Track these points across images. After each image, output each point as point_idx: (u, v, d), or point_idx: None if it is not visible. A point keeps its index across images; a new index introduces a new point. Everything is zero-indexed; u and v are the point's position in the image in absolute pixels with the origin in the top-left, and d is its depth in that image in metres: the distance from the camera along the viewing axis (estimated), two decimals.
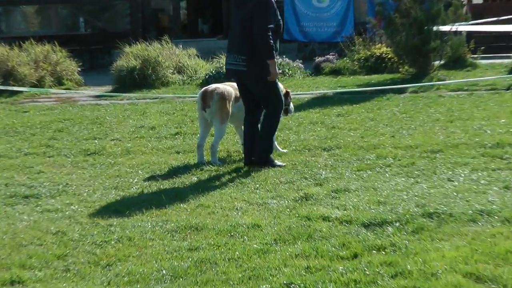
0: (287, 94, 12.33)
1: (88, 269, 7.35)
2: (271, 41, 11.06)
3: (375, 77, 22.19)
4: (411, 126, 14.12)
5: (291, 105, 12.77)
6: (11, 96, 22.10)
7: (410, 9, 20.93)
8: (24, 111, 19.42)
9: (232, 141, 13.33)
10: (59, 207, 9.76)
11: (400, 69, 22.32)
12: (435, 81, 20.16)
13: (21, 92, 21.59)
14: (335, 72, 23.90)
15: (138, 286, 6.81)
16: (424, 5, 21.00)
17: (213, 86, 12.23)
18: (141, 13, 30.82)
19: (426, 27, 20.75)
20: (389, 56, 23.34)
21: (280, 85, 11.92)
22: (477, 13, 27.91)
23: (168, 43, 24.86)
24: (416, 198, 9.21)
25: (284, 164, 11.34)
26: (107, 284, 6.90)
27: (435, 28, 20.78)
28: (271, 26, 11.14)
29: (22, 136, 15.49)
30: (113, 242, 8.15)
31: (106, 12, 32.90)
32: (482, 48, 24.09)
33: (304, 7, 29.75)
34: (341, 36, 27.76)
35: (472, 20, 23.58)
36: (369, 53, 23.92)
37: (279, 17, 11.50)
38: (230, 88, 12.01)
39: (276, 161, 11.43)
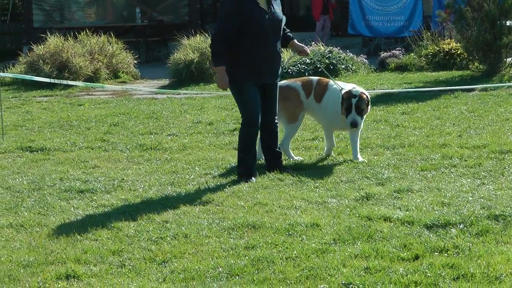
0: (348, 97, 11.32)
1: (143, 265, 7.51)
2: (218, 46, 10.54)
3: (443, 74, 22.13)
4: (479, 125, 14.11)
5: (355, 116, 11.29)
6: (66, 88, 22.43)
7: (482, 2, 20.82)
8: (79, 104, 19.73)
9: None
10: (114, 202, 9.96)
11: (470, 66, 22.25)
12: (507, 79, 20.01)
13: (76, 85, 21.83)
14: (401, 68, 23.89)
15: (194, 283, 6.94)
16: None
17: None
18: (199, 3, 30.95)
19: (498, 22, 20.63)
20: (458, 52, 23.27)
21: (343, 85, 11.66)
22: None
23: None
24: (482, 200, 9.24)
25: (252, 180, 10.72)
26: (163, 281, 7.06)
27: (508, 23, 20.62)
28: (224, 29, 10.51)
29: (77, 129, 15.76)
30: (168, 239, 8.30)
31: (163, 3, 33.04)
32: None
33: (370, 0, 29.67)
34: (408, 30, 27.66)
35: None
36: (437, 48, 23.87)
37: (255, 16, 10.52)
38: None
39: (247, 178, 10.72)
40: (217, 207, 9.47)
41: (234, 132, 14.68)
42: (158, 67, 26.19)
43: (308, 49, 11.33)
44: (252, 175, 10.76)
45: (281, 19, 10.81)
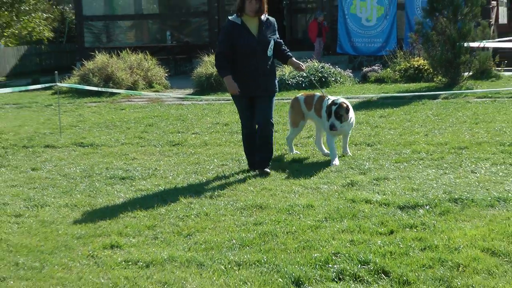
0: (330, 105, 10.96)
1: (172, 237, 7.52)
2: (221, 61, 10.26)
3: (413, 85, 22.07)
4: (442, 126, 14.08)
5: (333, 120, 10.87)
6: (110, 96, 22.49)
7: (445, 28, 20.80)
8: (121, 109, 19.76)
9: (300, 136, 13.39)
10: (149, 187, 9.97)
11: (435, 79, 22.18)
12: (464, 89, 20.05)
13: (118, 93, 21.93)
14: (379, 80, 23.88)
15: (213, 252, 6.95)
16: (457, 24, 20.87)
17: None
18: (217, 28, 30.97)
19: (458, 43, 20.61)
20: (425, 68, 23.20)
21: (335, 98, 11.10)
22: (502, 32, 27.70)
23: None
24: (444, 186, 9.23)
25: None
26: (188, 250, 7.06)
27: (465, 44, 20.61)
28: (221, 50, 10.27)
29: (119, 129, 15.78)
30: (192, 217, 8.31)
31: (189, 27, 33.17)
32: (506, 62, 23.98)
33: (354, 26, 29.70)
34: (385, 50, 27.66)
35: (498, 38, 23.37)
36: (409, 64, 23.83)
37: (242, 41, 10.18)
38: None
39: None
40: (232, 191, 9.48)
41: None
42: (184, 79, 26.22)
43: (303, 66, 10.71)
44: (253, 165, 10.65)
45: (269, 42, 10.28)
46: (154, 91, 23.87)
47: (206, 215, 8.36)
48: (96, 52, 25.54)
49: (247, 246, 7.11)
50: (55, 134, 15.36)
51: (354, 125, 11.80)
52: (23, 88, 17.37)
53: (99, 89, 19.84)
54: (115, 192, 9.80)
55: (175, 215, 8.40)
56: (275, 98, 10.68)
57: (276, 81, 10.64)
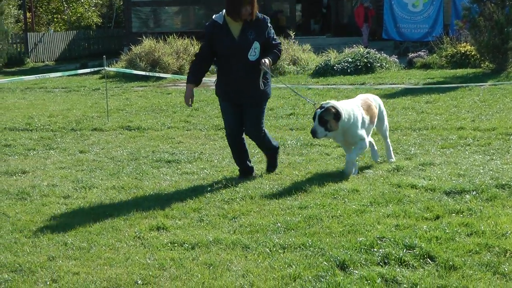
0: (317, 108, 9.27)
1: (217, 220, 7.53)
2: (192, 65, 9.41)
3: (459, 71, 21.88)
4: (489, 112, 13.91)
5: (315, 126, 9.10)
6: (157, 80, 22.62)
7: (493, 13, 20.53)
8: (167, 93, 19.86)
9: None
10: (195, 170, 10.00)
11: (482, 65, 21.97)
12: None
13: (165, 77, 21.99)
14: (425, 66, 23.71)
15: (258, 235, 6.94)
16: (505, 9, 20.58)
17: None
18: (265, 13, 30.90)
19: (506, 29, 20.34)
20: (472, 54, 23.00)
21: (345, 104, 9.35)
22: None
23: (286, 40, 24.97)
24: (491, 172, 9.11)
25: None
26: (233, 233, 7.06)
27: None
28: (198, 52, 9.41)
29: (165, 113, 15.86)
30: (238, 200, 8.31)
31: None
32: None
33: (400, 11, 29.47)
34: (431, 36, 27.39)
35: None
36: (455, 50, 23.62)
37: (220, 43, 9.09)
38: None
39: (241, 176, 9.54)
40: (277, 175, 9.46)
41: (290, 116, 14.69)
42: None
43: (263, 63, 8.94)
44: (244, 173, 9.57)
45: (250, 45, 8.99)
46: None
47: (251, 198, 8.34)
48: (143, 37, 25.71)
49: (292, 229, 7.09)
50: (102, 117, 15.48)
51: (385, 126, 10.12)
52: (72, 72, 17.50)
53: (146, 73, 19.92)
54: (161, 175, 9.84)
55: (221, 198, 8.40)
56: (265, 105, 9.50)
57: (267, 89, 9.37)
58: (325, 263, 6.05)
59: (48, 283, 5.83)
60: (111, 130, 13.86)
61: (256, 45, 9.06)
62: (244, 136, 9.61)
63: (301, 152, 11.03)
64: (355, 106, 9.38)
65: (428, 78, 20.65)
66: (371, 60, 23.04)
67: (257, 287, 5.58)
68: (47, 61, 36.69)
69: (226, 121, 9.52)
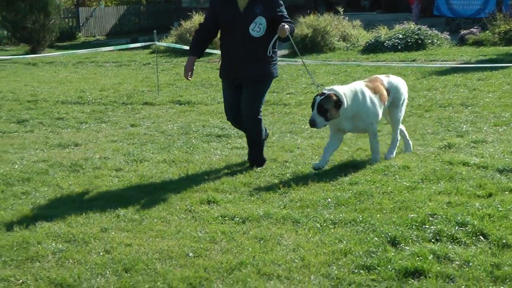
0: (316, 95, 8.51)
1: (268, 195, 7.52)
2: (194, 38, 8.75)
3: None
4: None
5: (314, 115, 8.31)
6: (207, 56, 22.55)
7: None
8: (216, 68, 19.66)
9: None
10: (245, 145, 9.95)
11: None
12: None
13: (215, 53, 21.99)
14: (478, 43, 23.33)
15: (308, 210, 6.94)
16: None
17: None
18: None
19: None
20: None
21: (336, 89, 8.44)
22: None
23: (336, 16, 24.82)
24: None
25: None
26: (283, 207, 7.07)
27: None
28: (201, 24, 8.80)
29: (215, 88, 15.87)
30: (288, 175, 8.30)
31: None
32: None
33: None
34: (484, 12, 26.96)
35: None
36: (508, 27, 23.20)
37: (223, 15, 8.48)
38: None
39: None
40: None
41: None
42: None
43: (284, 28, 8.15)
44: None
45: (256, 21, 8.30)
46: None
47: (301, 173, 8.33)
48: (193, 12, 25.68)
49: (342, 205, 7.07)
50: (153, 92, 15.57)
51: (398, 115, 9.05)
52: (123, 46, 17.61)
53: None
54: (212, 149, 9.88)
55: (271, 173, 8.41)
56: (267, 86, 8.76)
57: (272, 68, 8.68)
58: (376, 239, 6.03)
59: (101, 253, 5.91)
60: (162, 105, 13.93)
61: (261, 20, 8.33)
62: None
63: None
64: (362, 87, 8.57)
65: (481, 55, 20.35)
66: (422, 37, 22.76)
67: (308, 262, 5.59)
68: (98, 35, 36.94)
69: (226, 106, 8.85)
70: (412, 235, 6.07)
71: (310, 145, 9.87)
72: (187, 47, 19.06)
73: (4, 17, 28.31)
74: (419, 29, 23.13)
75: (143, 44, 18.69)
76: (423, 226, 6.28)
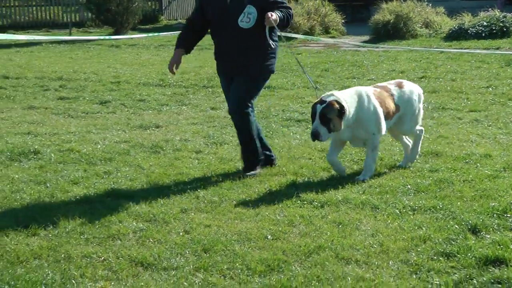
0: (315, 103, 7.50)
1: (348, 180, 7.48)
2: (182, 30, 8.19)
3: None
4: None
5: (317, 126, 7.33)
6: (288, 40, 22.58)
7: None
8: (297, 53, 19.86)
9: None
10: None
11: None
12: None
13: (295, 38, 21.99)
14: None
15: (387, 196, 6.90)
16: None
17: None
18: None
19: None
20: None
21: (337, 95, 7.46)
22: None
23: (419, 2, 24.50)
24: None
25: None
26: (362, 193, 7.03)
27: None
28: (189, 17, 8.33)
29: (295, 73, 15.87)
30: (360, 162, 8.25)
31: None
32: None
33: None
34: None
35: None
36: None
37: (210, 7, 7.79)
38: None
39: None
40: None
41: (422, 79, 14.44)
42: (361, 26, 25.92)
43: (270, 16, 7.36)
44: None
45: (245, 11, 7.53)
46: (330, 37, 23.80)
47: (381, 160, 8.29)
48: None
49: (422, 192, 7.01)
50: None
51: (413, 129, 8.05)
52: None
53: (278, 33, 19.98)
54: (291, 133, 9.90)
55: (350, 159, 8.39)
56: (263, 82, 8.03)
57: (268, 62, 7.89)
58: (456, 226, 5.96)
59: (181, 233, 5.99)
60: None
61: (251, 10, 7.52)
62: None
63: (433, 115, 10.85)
64: (365, 94, 7.58)
65: None
66: (507, 25, 22.28)
67: (387, 247, 5.56)
68: (180, 19, 37.22)
69: (227, 100, 8.24)
70: (493, 223, 5.99)
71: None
72: None
73: (89, 0, 28.81)
74: (504, 16, 22.64)
75: None
76: (505, 215, 6.19)
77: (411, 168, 7.87)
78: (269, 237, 5.87)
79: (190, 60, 18.83)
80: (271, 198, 6.96)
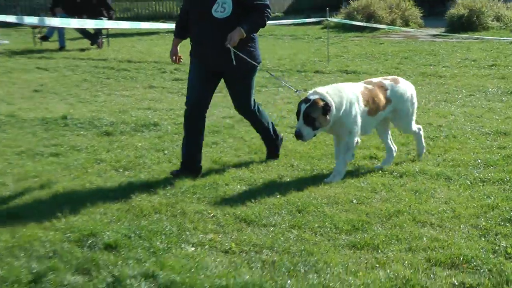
0: (300, 102, 6.51)
1: (424, 155, 7.42)
2: (177, 21, 7.04)
3: None
4: None
5: (300, 125, 6.39)
6: (371, 32, 22.40)
7: None
8: (380, 43, 19.63)
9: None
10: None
11: None
12: None
13: (378, 29, 21.76)
14: None
15: (459, 169, 6.81)
16: None
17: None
18: None
19: None
20: None
21: (321, 91, 6.46)
22: None
23: None
24: None
25: None
26: (437, 165, 6.96)
27: None
28: (180, 10, 7.18)
29: (378, 60, 15.73)
30: (442, 138, 8.15)
31: None
32: None
33: None
34: None
35: None
36: None
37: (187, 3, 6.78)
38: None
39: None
40: (478, 118, 9.22)
41: (492, 67, 14.12)
42: (437, 19, 25.40)
43: (231, 40, 6.42)
44: (186, 167, 6.80)
45: (219, 1, 6.43)
46: (409, 29, 23.46)
47: (454, 137, 8.17)
48: None
49: (491, 166, 6.90)
50: (323, 62, 15.60)
51: (406, 127, 7.18)
52: (300, 21, 17.75)
53: (364, 24, 19.81)
54: None
55: (426, 135, 8.26)
56: (250, 77, 6.90)
57: (250, 55, 6.68)
58: None
59: (278, 196, 6.04)
60: (331, 73, 13.96)
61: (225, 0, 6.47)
62: (205, 115, 6.97)
63: (501, 99, 10.62)
64: (350, 91, 6.60)
65: None
66: None
67: (458, 213, 5.51)
68: (277, 12, 37.24)
69: (190, 89, 6.89)
70: None
71: (462, 112, 9.64)
72: (356, 23, 19.05)
73: None
74: None
75: (317, 19, 18.74)
76: None
77: (481, 145, 7.74)
78: (354, 201, 5.89)
79: (286, 48, 18.88)
80: (355, 168, 6.96)
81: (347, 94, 6.52)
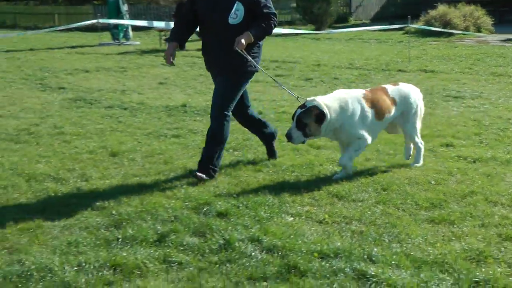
0: (299, 106, 5.84)
1: (494, 143, 7.12)
2: (174, 25, 6.23)
3: None
4: None
5: (291, 129, 5.74)
6: (447, 37, 21.67)
7: None
8: (454, 47, 18.96)
9: None
10: (476, 105, 9.53)
11: None
12: None
13: (453, 34, 21.05)
14: None
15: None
16: None
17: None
18: None
19: None
20: None
21: (320, 100, 5.74)
22: None
23: None
24: None
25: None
26: (507, 153, 6.63)
27: None
28: (183, 9, 6.29)
29: (453, 61, 15.21)
30: (511, 129, 7.77)
31: None
32: None
33: None
34: None
35: None
36: None
37: (199, 3, 5.97)
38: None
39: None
40: None
41: None
42: (507, 27, 24.36)
43: (239, 43, 5.72)
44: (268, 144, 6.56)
45: (232, 7, 5.80)
46: (482, 35, 22.59)
47: (502, 131, 7.76)
48: (438, 3, 24.66)
49: None
50: (405, 62, 15.19)
51: (410, 129, 6.23)
52: (384, 27, 17.36)
53: (441, 29, 19.19)
54: (449, 106, 9.50)
55: (497, 127, 7.94)
56: (242, 84, 6.06)
57: (257, 59, 6.11)
58: None
59: (365, 176, 5.89)
60: (412, 72, 13.57)
61: (239, 6, 5.80)
62: (249, 111, 6.39)
63: None
64: (353, 98, 5.86)
65: None
66: None
67: None
68: (364, 20, 36.62)
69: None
70: None
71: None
72: (434, 29, 18.44)
73: (298, 4, 28.99)
74: None
75: (399, 26, 18.30)
76: None
77: None
78: (432, 182, 5.69)
79: (372, 50, 18.52)
80: (433, 154, 6.73)
81: (348, 101, 5.79)
